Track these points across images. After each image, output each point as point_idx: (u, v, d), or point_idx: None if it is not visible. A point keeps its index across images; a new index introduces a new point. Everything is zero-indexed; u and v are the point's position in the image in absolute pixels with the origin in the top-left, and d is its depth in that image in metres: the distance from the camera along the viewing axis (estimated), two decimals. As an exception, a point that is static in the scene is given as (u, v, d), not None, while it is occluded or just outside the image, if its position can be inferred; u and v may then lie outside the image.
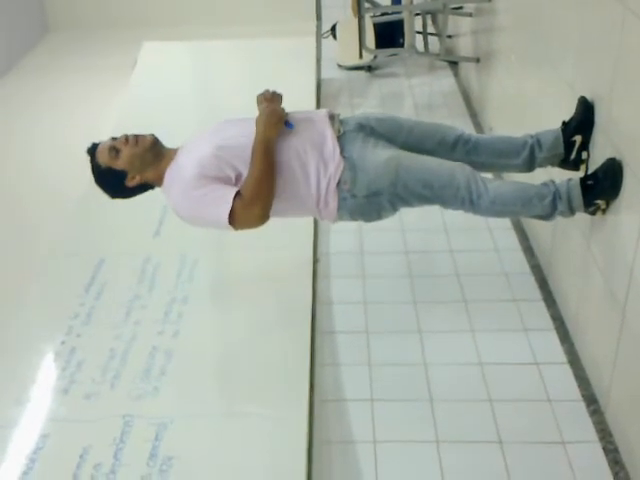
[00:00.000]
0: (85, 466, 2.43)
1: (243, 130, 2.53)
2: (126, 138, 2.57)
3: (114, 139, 2.59)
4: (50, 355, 2.96)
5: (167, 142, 2.66)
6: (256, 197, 2.40)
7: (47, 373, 2.89)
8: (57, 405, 2.72)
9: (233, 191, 2.41)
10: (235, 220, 2.40)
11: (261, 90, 2.67)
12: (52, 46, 6.89)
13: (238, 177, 2.48)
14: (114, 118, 4.75)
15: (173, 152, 2.61)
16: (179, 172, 2.50)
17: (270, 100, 2.61)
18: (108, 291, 3.27)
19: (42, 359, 2.95)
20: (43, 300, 3.31)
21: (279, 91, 2.66)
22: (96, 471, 2.40)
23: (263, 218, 2.44)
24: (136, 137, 2.57)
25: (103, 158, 2.57)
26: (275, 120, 2.50)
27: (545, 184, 2.61)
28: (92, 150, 2.60)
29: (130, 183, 2.58)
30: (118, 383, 2.76)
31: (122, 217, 3.67)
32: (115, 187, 2.61)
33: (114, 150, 2.55)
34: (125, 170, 2.56)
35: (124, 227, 3.74)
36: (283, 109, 2.57)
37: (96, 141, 2.64)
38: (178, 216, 2.56)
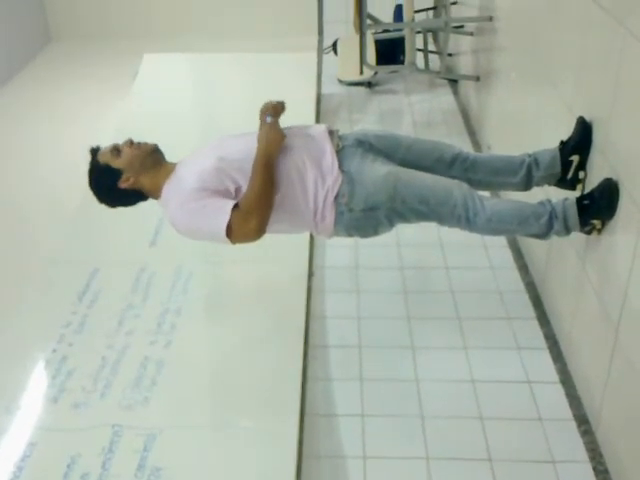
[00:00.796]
0: (72, 475, 2.41)
1: (245, 144, 2.53)
2: (131, 142, 2.60)
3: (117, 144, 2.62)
4: (41, 363, 2.95)
5: (166, 153, 2.67)
6: (254, 210, 2.40)
7: (37, 381, 2.88)
8: (46, 413, 2.71)
9: (231, 204, 2.40)
10: (232, 233, 2.40)
11: (261, 102, 2.64)
12: (54, 55, 6.91)
13: (238, 190, 2.48)
14: (114, 128, 4.76)
15: (172, 166, 2.62)
16: (178, 185, 2.50)
17: (275, 110, 2.59)
18: (102, 300, 3.26)
19: (33, 367, 2.94)
20: (36, 308, 3.30)
21: (281, 100, 2.65)
22: (83, 480, 2.39)
23: (259, 232, 2.44)
24: (139, 143, 2.61)
25: (104, 157, 2.59)
26: (278, 137, 2.50)
27: (542, 203, 2.61)
28: (95, 150, 2.62)
29: (123, 184, 2.57)
30: (108, 392, 2.75)
31: (118, 226, 3.67)
32: (107, 187, 2.60)
33: (116, 150, 2.58)
34: (121, 169, 2.56)
35: (120, 236, 3.73)
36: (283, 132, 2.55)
37: (101, 145, 2.66)
38: (176, 229, 2.56)
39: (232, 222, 2.38)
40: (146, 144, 2.62)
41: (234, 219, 2.38)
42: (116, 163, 2.56)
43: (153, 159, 2.60)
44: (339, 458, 2.53)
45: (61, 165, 4.64)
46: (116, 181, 2.57)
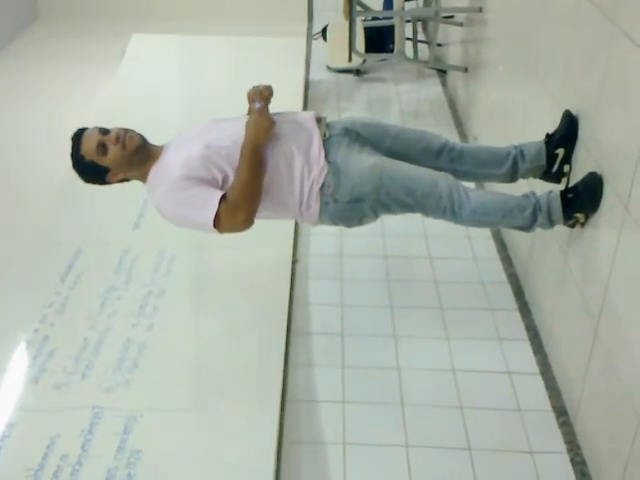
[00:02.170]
0: (52, 456, 2.41)
1: (233, 130, 2.51)
2: (117, 137, 2.49)
3: (103, 132, 2.52)
4: (22, 343, 2.93)
5: (151, 135, 2.63)
6: (242, 202, 2.39)
7: (18, 361, 2.87)
8: (26, 394, 2.69)
9: (219, 194, 2.39)
10: (220, 224, 2.39)
11: (249, 86, 2.59)
12: (40, 33, 6.83)
13: (225, 179, 2.46)
14: (99, 108, 4.73)
15: (159, 150, 2.58)
16: (165, 172, 2.48)
17: (262, 95, 2.53)
18: (84, 281, 3.25)
19: (14, 347, 2.92)
20: (18, 287, 3.28)
21: (269, 84, 2.59)
22: (63, 462, 2.39)
23: (248, 223, 2.43)
24: (125, 135, 2.50)
25: (89, 152, 2.50)
26: (266, 125, 2.47)
27: (526, 195, 2.62)
28: (77, 137, 2.55)
29: (112, 179, 2.57)
30: (89, 374, 2.74)
31: (102, 208, 3.66)
32: (94, 178, 2.59)
33: (102, 147, 2.49)
34: (109, 167, 2.53)
35: (104, 218, 3.72)
36: (272, 119, 2.51)
37: (81, 127, 2.59)
38: (162, 216, 2.53)
39: (220, 214, 2.37)
40: (132, 140, 2.51)
41: (222, 211, 2.37)
42: (103, 161, 2.51)
43: (140, 156, 2.53)
44: (319, 444, 2.54)
45: (45, 144, 4.60)
46: (104, 176, 2.55)
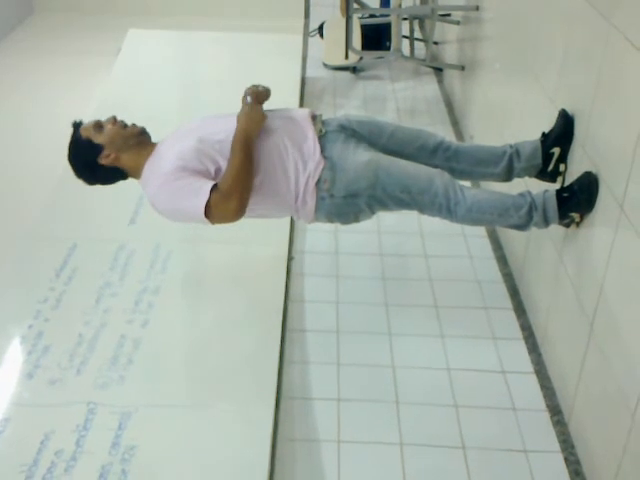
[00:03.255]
0: (46, 452, 2.40)
1: (227, 125, 2.52)
2: (114, 119, 2.58)
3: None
4: (16, 339, 2.92)
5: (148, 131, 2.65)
6: (233, 191, 2.40)
7: (13, 356, 2.86)
8: (21, 389, 2.68)
9: (210, 184, 2.40)
10: (211, 213, 2.40)
11: (246, 84, 2.63)
12: (36, 28, 6.81)
13: (217, 171, 2.47)
14: (95, 104, 4.71)
15: (153, 146, 2.60)
16: (159, 165, 2.49)
17: (259, 95, 2.57)
18: (79, 277, 3.24)
19: (8, 342, 2.91)
20: (12, 282, 3.27)
21: (267, 85, 2.64)
22: (57, 457, 2.38)
23: (239, 213, 2.43)
24: (125, 123, 2.59)
25: (86, 131, 2.57)
26: (258, 118, 2.50)
27: (522, 194, 2.63)
28: (77, 124, 2.60)
29: (104, 160, 2.55)
30: (84, 370, 2.73)
31: (98, 203, 3.64)
32: (86, 161, 2.58)
33: (99, 126, 2.57)
34: (103, 145, 2.54)
35: (99, 213, 3.71)
36: (264, 112, 2.55)
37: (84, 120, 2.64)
38: (155, 210, 2.54)
39: (211, 203, 2.38)
40: (134, 126, 2.59)
41: (213, 200, 2.38)
42: (98, 139, 2.55)
43: (137, 140, 2.58)
44: (314, 442, 2.55)
45: (40, 139, 4.60)
46: (96, 156, 2.55)
